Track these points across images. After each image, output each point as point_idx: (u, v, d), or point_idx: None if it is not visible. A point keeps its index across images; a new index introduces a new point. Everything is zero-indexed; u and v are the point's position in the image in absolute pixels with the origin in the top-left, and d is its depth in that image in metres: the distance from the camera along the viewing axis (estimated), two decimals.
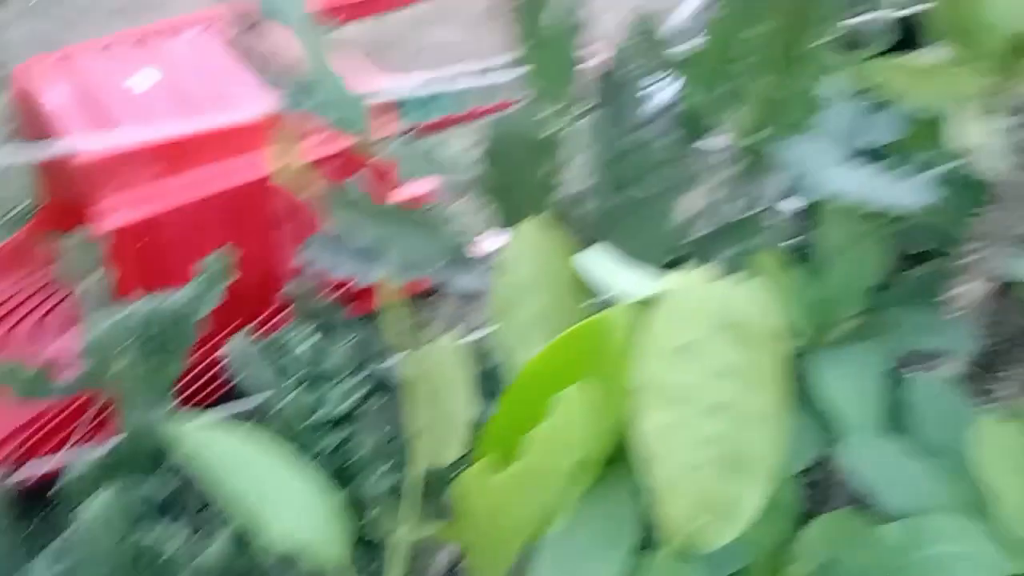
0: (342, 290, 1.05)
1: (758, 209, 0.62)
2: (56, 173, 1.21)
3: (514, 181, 0.73)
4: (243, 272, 1.29)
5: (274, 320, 1.15)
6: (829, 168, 0.49)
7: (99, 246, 0.77)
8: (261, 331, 1.22)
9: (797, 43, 0.49)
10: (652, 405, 0.50)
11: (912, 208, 0.47)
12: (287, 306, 1.03)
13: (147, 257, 1.16)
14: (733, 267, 0.62)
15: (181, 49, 1.35)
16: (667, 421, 0.51)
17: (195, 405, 1.16)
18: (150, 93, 1.25)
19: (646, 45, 0.56)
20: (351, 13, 1.51)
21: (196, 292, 0.79)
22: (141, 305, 0.75)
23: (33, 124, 1.30)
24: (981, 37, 0.50)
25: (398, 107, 1.30)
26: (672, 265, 0.68)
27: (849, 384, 0.62)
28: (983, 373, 0.75)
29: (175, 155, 1.14)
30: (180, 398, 1.18)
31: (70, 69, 1.29)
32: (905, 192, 0.47)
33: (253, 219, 1.20)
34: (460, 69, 1.34)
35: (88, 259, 0.76)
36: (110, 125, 1.20)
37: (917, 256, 0.77)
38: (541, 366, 0.51)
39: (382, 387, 0.93)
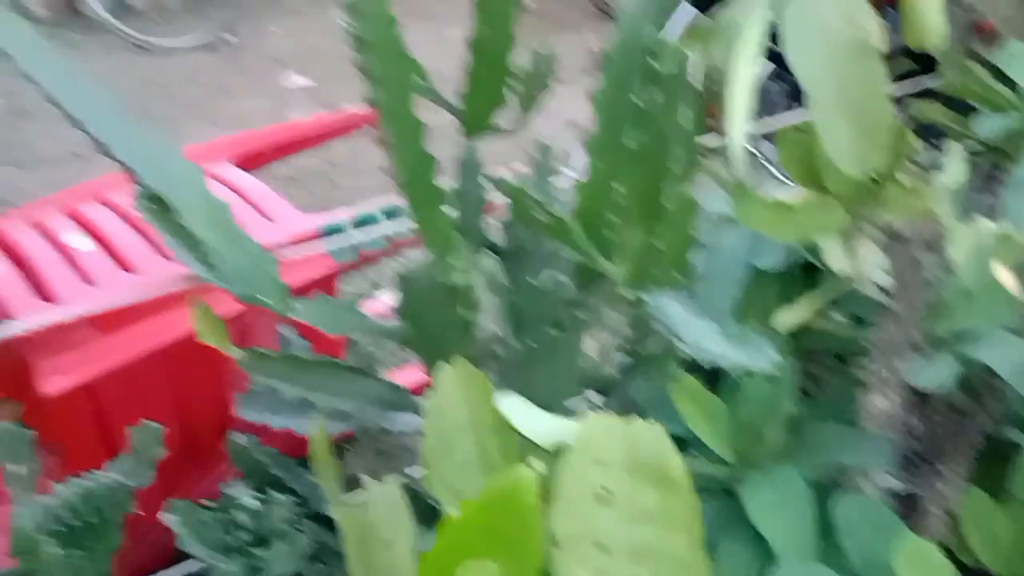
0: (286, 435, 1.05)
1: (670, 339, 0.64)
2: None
3: (430, 328, 0.74)
4: (190, 424, 1.28)
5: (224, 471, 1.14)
6: (692, 327, 0.51)
7: (30, 434, 0.77)
8: (210, 483, 1.21)
9: (659, 197, 0.51)
10: (574, 556, 0.51)
11: (762, 370, 0.49)
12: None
13: (95, 416, 1.15)
14: (651, 399, 0.63)
15: (109, 211, 1.38)
16: (590, 571, 0.51)
17: (146, 565, 1.13)
18: (85, 257, 1.26)
19: (531, 201, 0.59)
20: (273, 156, 1.56)
21: (129, 466, 0.78)
22: (73, 487, 0.75)
23: None
24: (826, 179, 0.53)
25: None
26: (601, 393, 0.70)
27: (777, 507, 0.63)
28: (924, 469, 0.76)
29: (112, 315, 1.15)
30: (129, 560, 1.15)
31: (4, 235, 1.31)
32: (755, 355, 0.49)
33: (195, 371, 1.21)
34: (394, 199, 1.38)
35: (19, 445, 0.75)
36: (48, 291, 1.21)
37: (838, 358, 0.80)
38: (455, 534, 0.52)
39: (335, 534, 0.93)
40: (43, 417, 1.19)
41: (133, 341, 1.17)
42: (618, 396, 0.64)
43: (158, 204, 0.77)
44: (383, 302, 1.83)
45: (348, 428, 0.86)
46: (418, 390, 0.87)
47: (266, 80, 3.03)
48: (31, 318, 1.14)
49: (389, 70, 0.60)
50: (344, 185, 2.43)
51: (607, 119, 0.54)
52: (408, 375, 1.20)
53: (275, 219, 1.34)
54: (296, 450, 1.05)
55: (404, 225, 1.30)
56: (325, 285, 1.32)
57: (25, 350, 1.17)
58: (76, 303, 1.16)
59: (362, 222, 1.32)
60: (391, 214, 1.35)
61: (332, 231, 1.29)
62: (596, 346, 0.65)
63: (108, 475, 0.78)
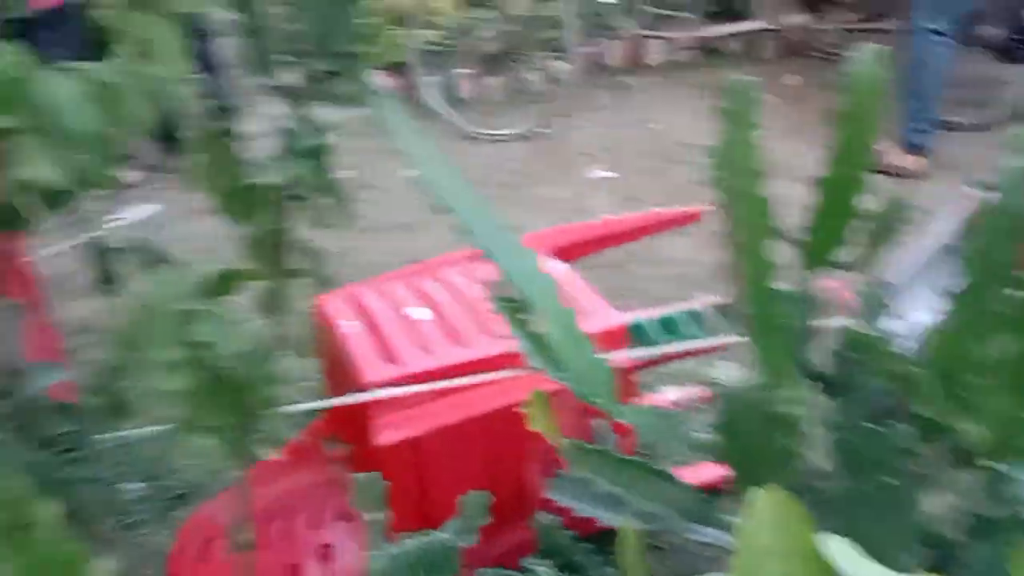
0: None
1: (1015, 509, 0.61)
2: (346, 386, 1.41)
3: (748, 450, 0.77)
4: (492, 490, 1.39)
5: (521, 544, 1.23)
6: None
7: (384, 484, 0.90)
8: (504, 550, 1.30)
9: None
10: None
11: None
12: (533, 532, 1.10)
13: (415, 470, 1.31)
14: (986, 564, 0.61)
15: (447, 284, 1.56)
16: None
17: None
18: (423, 324, 1.44)
19: (882, 351, 0.60)
20: (589, 249, 1.68)
21: (459, 528, 0.89)
22: (415, 540, 0.86)
23: (330, 346, 1.54)
24: None
25: (632, 335, 1.39)
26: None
27: None
28: None
29: (444, 381, 1.30)
30: None
31: (358, 301, 1.53)
32: None
33: (503, 441, 1.32)
34: (697, 298, 1.43)
35: (375, 494, 0.88)
36: (391, 351, 1.40)
37: None
38: None
39: None
40: (371, 464, 1.36)
41: (457, 406, 1.31)
42: (952, 558, 0.62)
43: (512, 304, 0.88)
44: (667, 397, 1.87)
45: (651, 528, 0.90)
46: (709, 487, 0.89)
47: (571, 170, 3.25)
48: (378, 375, 1.33)
49: (749, 215, 0.65)
50: (640, 275, 2.52)
51: (976, 277, 0.54)
52: (700, 472, 1.22)
53: (588, 313, 1.44)
54: (587, 531, 1.11)
55: (704, 330, 1.34)
56: (625, 377, 1.39)
57: (365, 403, 1.36)
58: (415, 367, 1.33)
59: (665, 322, 1.38)
60: (693, 318, 1.40)
61: (638, 328, 1.36)
62: (932, 500, 0.64)
63: (442, 535, 0.88)
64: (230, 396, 0.60)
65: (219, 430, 0.64)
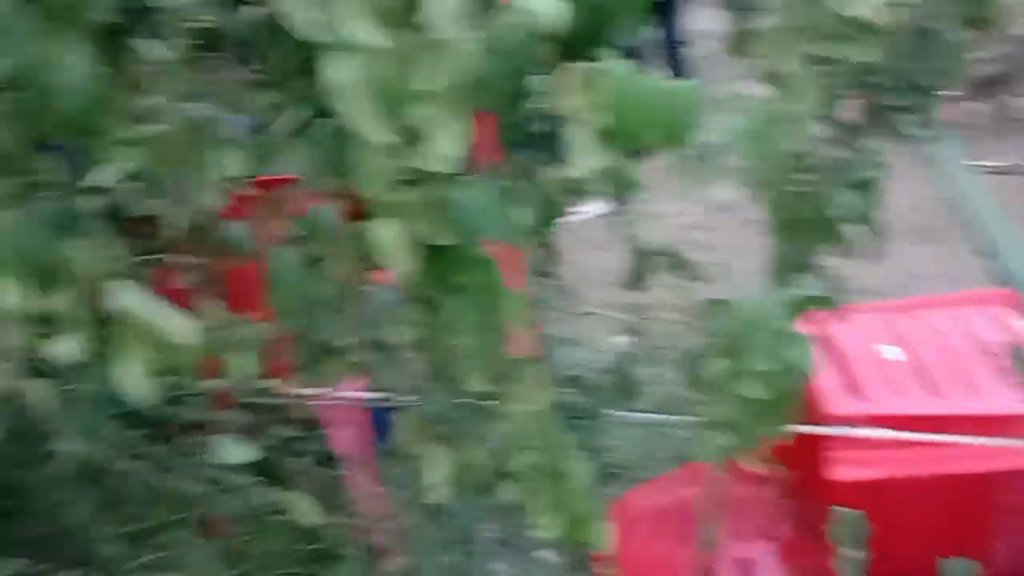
0: None
1: None
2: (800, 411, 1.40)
3: None
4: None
5: None
6: None
7: (867, 526, 0.89)
8: None
9: None
10: None
11: None
12: None
13: (869, 514, 1.26)
14: None
15: (925, 327, 1.46)
16: None
17: None
18: (895, 365, 1.38)
19: None
20: None
21: None
22: None
23: None
24: None
25: None
26: None
27: None
28: None
29: (914, 429, 1.23)
30: None
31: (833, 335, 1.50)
32: None
33: (977, 510, 1.21)
34: None
35: (857, 531, 0.88)
36: (857, 387, 1.36)
37: None
38: None
39: None
40: (815, 495, 1.34)
41: (926, 459, 1.23)
42: None
43: None
44: None
45: None
46: None
47: None
48: (842, 409, 1.30)
49: None
50: None
51: None
52: None
53: None
54: None
55: None
56: None
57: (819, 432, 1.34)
58: (884, 407, 1.28)
59: None
60: None
61: None
62: None
63: None
64: (778, 410, 0.64)
65: (747, 437, 0.68)
